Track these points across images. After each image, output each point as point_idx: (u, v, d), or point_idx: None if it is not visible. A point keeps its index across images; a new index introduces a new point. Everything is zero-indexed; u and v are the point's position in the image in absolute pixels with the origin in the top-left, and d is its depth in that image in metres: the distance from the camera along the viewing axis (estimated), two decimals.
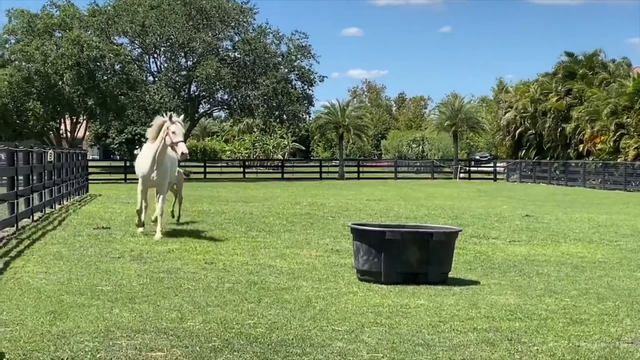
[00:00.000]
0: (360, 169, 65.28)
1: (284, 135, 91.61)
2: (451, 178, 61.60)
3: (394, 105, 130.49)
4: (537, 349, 6.91)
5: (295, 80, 59.77)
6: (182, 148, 14.48)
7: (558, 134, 52.24)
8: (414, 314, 8.34)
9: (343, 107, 64.64)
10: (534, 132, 55.14)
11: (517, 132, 56.49)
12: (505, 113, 57.93)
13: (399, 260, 10.23)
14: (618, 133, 46.06)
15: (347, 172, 61.35)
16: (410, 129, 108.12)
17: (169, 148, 14.99)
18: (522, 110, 55.71)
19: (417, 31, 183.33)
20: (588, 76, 52.50)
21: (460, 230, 11.65)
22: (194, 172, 46.94)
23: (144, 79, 57.50)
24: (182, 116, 15.51)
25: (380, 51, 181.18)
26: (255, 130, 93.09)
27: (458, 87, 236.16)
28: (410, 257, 10.27)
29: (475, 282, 10.60)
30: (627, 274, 11.73)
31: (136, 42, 58.21)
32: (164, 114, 15.70)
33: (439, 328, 7.67)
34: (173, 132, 14.52)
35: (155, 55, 59.79)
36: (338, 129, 64.06)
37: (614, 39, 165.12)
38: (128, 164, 54.05)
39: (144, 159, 15.39)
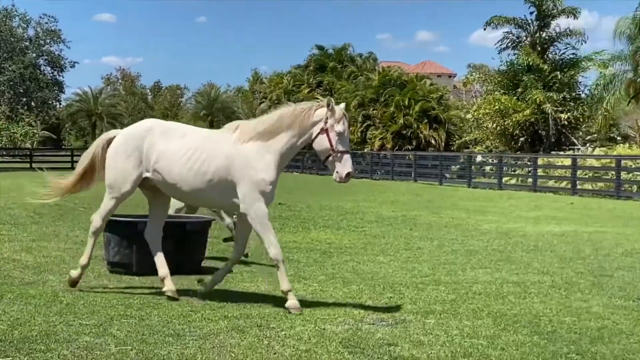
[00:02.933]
0: None
1: (33, 123, 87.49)
2: None
3: (150, 93, 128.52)
4: (285, 334, 7.09)
5: (45, 65, 57.46)
6: (350, 166, 8.30)
7: None
8: (165, 305, 8.27)
9: (96, 95, 62.86)
10: None
11: None
12: (260, 103, 59.09)
13: None
14: (365, 124, 48.29)
15: None
16: (166, 118, 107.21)
17: None
18: (276, 101, 56.95)
19: (174, 20, 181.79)
20: (338, 69, 54.70)
21: (214, 220, 11.72)
22: None
23: None
24: (342, 104, 8.75)
25: (135, 39, 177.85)
26: (1, 117, 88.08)
27: (214, 77, 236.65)
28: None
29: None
30: (371, 258, 12.34)
31: None
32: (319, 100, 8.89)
33: (189, 317, 7.66)
34: (339, 134, 8.27)
35: None
36: (91, 117, 62.19)
37: (363, 34, 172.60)
38: None
39: (264, 163, 8.44)
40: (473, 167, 41.58)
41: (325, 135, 8.28)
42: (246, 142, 8.45)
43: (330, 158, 8.29)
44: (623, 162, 33.04)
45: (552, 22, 47.62)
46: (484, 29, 51.67)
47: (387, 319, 7.90)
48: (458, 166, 43.65)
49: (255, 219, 8.37)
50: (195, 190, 8.59)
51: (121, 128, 9.65)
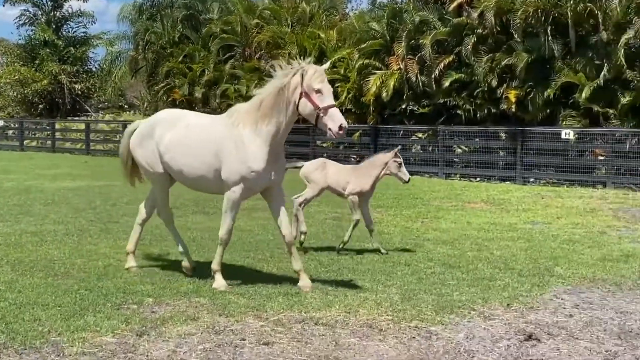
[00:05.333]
0: None
1: None
2: None
3: None
4: None
5: None
6: (340, 119, 6.82)
7: None
8: None
9: None
10: None
11: None
12: None
13: None
14: None
15: None
16: None
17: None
18: None
19: None
20: None
21: None
22: None
23: None
24: (325, 65, 7.29)
25: None
26: None
27: None
28: None
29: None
30: None
31: None
32: None
33: None
34: (318, 91, 6.80)
35: None
36: None
37: None
38: None
39: (252, 149, 7.00)
40: None
41: (306, 98, 6.78)
42: (242, 126, 7.00)
43: (319, 117, 6.75)
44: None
45: (65, 3, 46.39)
46: (3, 6, 48.43)
47: None
48: None
49: (226, 201, 7.07)
50: (197, 177, 7.25)
51: None
